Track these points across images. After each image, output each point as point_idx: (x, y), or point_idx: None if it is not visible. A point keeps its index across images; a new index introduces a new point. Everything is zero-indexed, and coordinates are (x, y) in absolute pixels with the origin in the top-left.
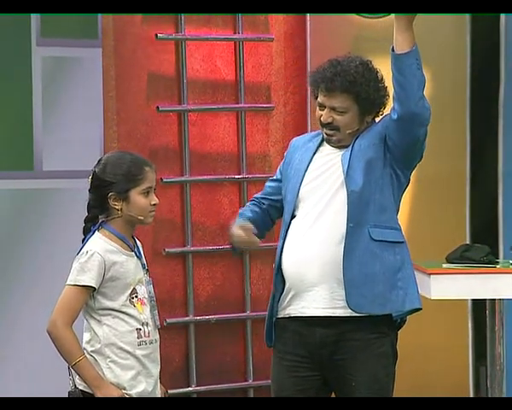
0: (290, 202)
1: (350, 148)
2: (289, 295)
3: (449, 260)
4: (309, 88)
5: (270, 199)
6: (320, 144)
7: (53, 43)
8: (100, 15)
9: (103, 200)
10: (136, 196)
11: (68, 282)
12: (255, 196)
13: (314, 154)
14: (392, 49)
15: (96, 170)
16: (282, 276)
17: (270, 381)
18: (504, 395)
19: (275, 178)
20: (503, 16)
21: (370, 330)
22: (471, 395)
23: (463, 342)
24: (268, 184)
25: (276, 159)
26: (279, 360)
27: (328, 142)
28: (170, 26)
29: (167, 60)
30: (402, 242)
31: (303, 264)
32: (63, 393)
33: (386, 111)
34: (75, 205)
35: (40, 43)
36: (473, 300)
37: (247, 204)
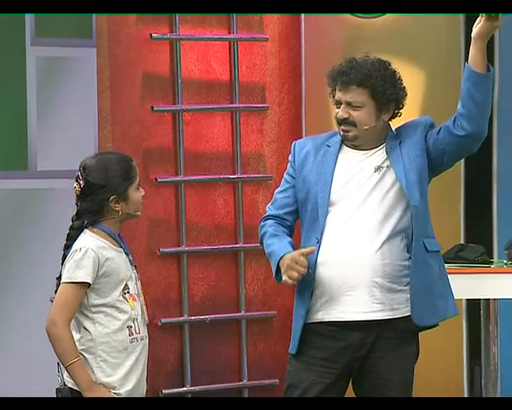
0: (323, 204)
1: (400, 159)
2: (322, 300)
3: (443, 260)
4: (328, 89)
5: (292, 211)
6: (340, 147)
7: (47, 43)
8: (94, 15)
9: (102, 204)
10: (132, 192)
11: (64, 280)
12: (272, 213)
13: (337, 156)
14: (470, 69)
15: (89, 178)
16: (312, 281)
17: (264, 381)
18: (498, 395)
19: (288, 186)
20: None
21: (403, 330)
22: (465, 395)
23: (458, 341)
24: (281, 195)
25: (270, 159)
26: (307, 365)
27: (345, 139)
28: (164, 26)
29: (162, 60)
30: (440, 249)
31: (342, 268)
32: (53, 390)
33: (404, 112)
34: (69, 205)
35: (34, 43)
36: (467, 299)
37: (271, 225)
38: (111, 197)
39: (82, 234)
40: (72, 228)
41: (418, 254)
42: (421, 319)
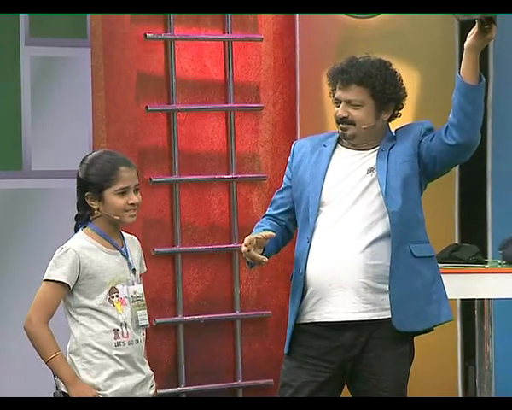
0: (313, 204)
1: (384, 164)
2: (313, 300)
3: (438, 260)
4: (328, 87)
5: (287, 211)
6: (335, 147)
7: (42, 43)
8: (89, 15)
9: (82, 199)
10: (110, 196)
11: (44, 277)
12: (268, 213)
13: (331, 156)
14: (461, 80)
15: (78, 170)
16: (303, 280)
17: (259, 381)
18: (493, 395)
19: (284, 187)
20: None
21: (395, 330)
22: (460, 395)
23: (452, 341)
24: (278, 196)
25: (265, 159)
26: (300, 364)
27: (343, 137)
28: (159, 26)
29: (156, 60)
30: (434, 255)
31: (331, 268)
32: (51, 392)
33: (404, 113)
34: (64, 205)
35: (29, 43)
36: (461, 299)
37: (261, 221)
38: (86, 193)
39: (76, 234)
40: (75, 218)
41: (402, 260)
42: (402, 325)
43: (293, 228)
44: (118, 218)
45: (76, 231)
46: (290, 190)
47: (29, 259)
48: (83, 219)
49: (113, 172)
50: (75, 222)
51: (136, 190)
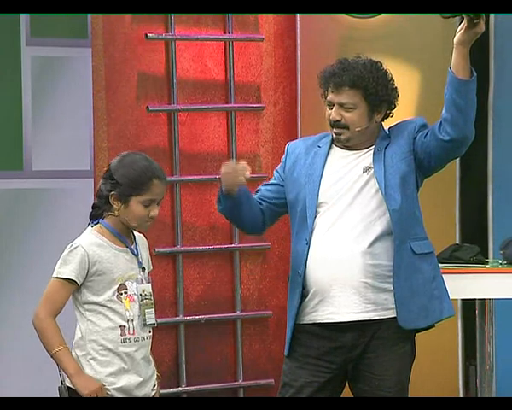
0: (311, 206)
1: (382, 163)
2: (314, 301)
3: (439, 260)
4: (320, 89)
5: (269, 202)
6: (330, 148)
7: (43, 43)
8: (90, 15)
9: (107, 194)
10: (135, 204)
11: (53, 275)
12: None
13: (326, 157)
14: (452, 75)
15: (113, 163)
16: (302, 282)
17: (259, 381)
18: (494, 395)
19: (273, 181)
20: (492, 17)
21: (396, 330)
22: (460, 395)
23: (453, 341)
24: (265, 187)
25: (266, 159)
26: (301, 364)
27: (338, 141)
28: (160, 26)
29: (157, 60)
30: (433, 251)
31: (331, 269)
32: (53, 389)
33: (400, 112)
34: (64, 205)
35: (30, 43)
36: (462, 299)
37: None
38: (112, 192)
39: (86, 230)
40: (92, 207)
41: (403, 257)
42: (406, 322)
43: (268, 219)
44: (135, 225)
45: (91, 219)
46: (278, 188)
47: (29, 259)
48: (99, 211)
49: (147, 182)
50: (91, 210)
51: (158, 203)
